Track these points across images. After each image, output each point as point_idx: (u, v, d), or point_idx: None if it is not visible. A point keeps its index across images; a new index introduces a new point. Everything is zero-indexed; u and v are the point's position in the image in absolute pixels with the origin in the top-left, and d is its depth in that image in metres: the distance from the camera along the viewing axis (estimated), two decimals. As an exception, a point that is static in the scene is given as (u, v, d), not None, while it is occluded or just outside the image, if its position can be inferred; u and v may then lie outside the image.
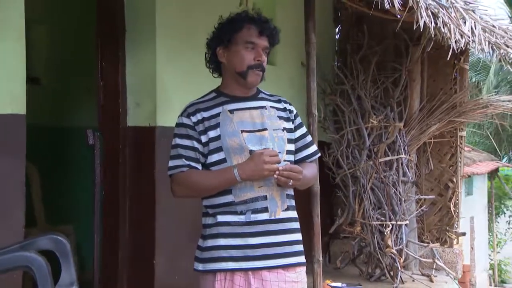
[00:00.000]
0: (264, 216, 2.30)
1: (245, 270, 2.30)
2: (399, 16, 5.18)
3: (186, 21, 3.90)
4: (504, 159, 15.64)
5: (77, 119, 4.92)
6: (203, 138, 2.33)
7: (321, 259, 3.78)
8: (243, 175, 2.25)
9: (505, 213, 13.00)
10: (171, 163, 2.39)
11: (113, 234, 3.76)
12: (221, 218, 2.32)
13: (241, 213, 2.30)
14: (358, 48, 5.51)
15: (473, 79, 15.44)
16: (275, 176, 2.24)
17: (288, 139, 2.40)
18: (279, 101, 2.47)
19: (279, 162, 2.27)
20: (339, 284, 3.89)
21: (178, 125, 2.40)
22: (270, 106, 2.41)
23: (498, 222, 12.70)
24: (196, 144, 2.34)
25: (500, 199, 12.72)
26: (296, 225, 2.41)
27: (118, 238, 3.75)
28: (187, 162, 2.34)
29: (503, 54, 5.22)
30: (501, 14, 13.78)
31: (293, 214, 2.40)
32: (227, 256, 2.30)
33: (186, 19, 3.90)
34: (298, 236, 2.41)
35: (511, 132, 15.24)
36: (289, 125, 2.43)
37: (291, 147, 2.41)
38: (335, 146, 5.27)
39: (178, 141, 2.37)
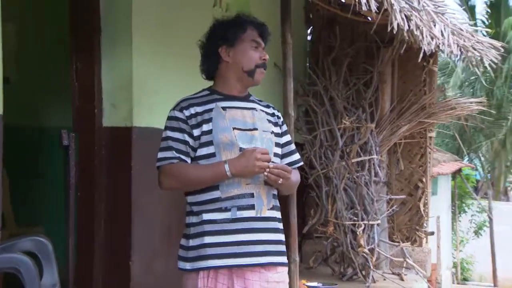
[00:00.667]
0: (250, 213, 2.31)
1: (229, 267, 2.30)
2: (370, 19, 5.28)
3: (163, 22, 3.88)
4: (465, 159, 15.97)
5: (51, 120, 4.85)
6: (196, 132, 2.34)
7: (297, 259, 3.80)
8: (233, 170, 2.26)
9: (466, 212, 13.27)
10: (161, 154, 2.38)
11: (88, 235, 3.71)
12: (206, 216, 2.32)
13: (226, 209, 2.30)
14: (329, 49, 5.56)
15: (438, 80, 15.70)
16: (265, 173, 2.26)
17: (275, 142, 2.43)
18: (268, 106, 2.53)
19: (269, 161, 2.29)
20: (315, 284, 3.91)
21: (170, 118, 2.40)
22: (260, 109, 2.45)
23: (460, 221, 12.95)
24: (187, 138, 2.35)
25: (462, 199, 12.99)
26: (280, 225, 2.43)
27: (93, 239, 3.70)
28: (177, 155, 2.34)
29: (470, 56, 5.33)
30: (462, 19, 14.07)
31: (278, 214, 2.42)
32: (212, 254, 2.30)
33: (162, 19, 3.88)
34: (281, 237, 2.43)
35: (472, 133, 15.58)
36: (277, 129, 2.48)
37: (278, 150, 2.45)
38: (308, 147, 5.31)
39: (169, 133, 2.37)
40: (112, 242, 3.72)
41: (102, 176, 3.71)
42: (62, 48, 4.00)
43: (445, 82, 15.80)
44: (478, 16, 16.36)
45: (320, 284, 3.96)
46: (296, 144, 5.10)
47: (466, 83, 15.40)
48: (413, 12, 4.19)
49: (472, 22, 6.19)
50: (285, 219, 3.74)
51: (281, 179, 2.29)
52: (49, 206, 4.72)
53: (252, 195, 2.32)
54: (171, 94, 3.93)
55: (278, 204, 2.44)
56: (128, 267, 3.68)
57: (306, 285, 3.95)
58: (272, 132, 2.43)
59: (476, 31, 5.94)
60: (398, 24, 3.93)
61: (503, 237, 13.39)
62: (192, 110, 2.36)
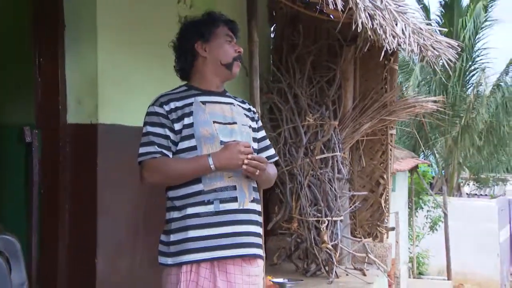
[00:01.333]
0: (233, 205, 2.34)
1: (211, 260, 2.31)
2: (332, 17, 5.32)
3: (128, 17, 3.83)
4: (421, 157, 16.28)
5: (11, 116, 4.71)
6: (177, 126, 2.35)
7: (264, 255, 3.79)
8: (217, 163, 2.28)
9: (423, 208, 13.54)
10: (142, 149, 2.39)
11: (52, 233, 3.64)
12: (190, 210, 2.33)
13: (209, 202, 2.32)
14: (293, 47, 5.58)
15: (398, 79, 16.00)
16: (244, 166, 2.27)
17: (253, 137, 2.46)
18: (243, 102, 2.60)
19: (251, 154, 2.33)
20: (281, 280, 3.93)
21: (150, 113, 2.41)
22: (237, 104, 2.50)
23: (417, 217, 13.21)
24: (168, 132, 2.36)
25: (419, 195, 13.25)
26: (260, 219, 2.47)
27: (57, 237, 3.62)
28: (159, 149, 2.35)
29: (430, 55, 5.43)
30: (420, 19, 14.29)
31: (258, 207, 2.45)
32: (194, 248, 2.31)
33: (128, 14, 3.82)
34: (259, 229, 2.45)
35: (428, 131, 15.89)
36: (254, 124, 2.53)
37: (255, 145, 2.49)
38: (272, 144, 5.31)
39: (150, 129, 2.38)
40: (77, 240, 3.66)
41: (67, 173, 3.64)
42: (24, 42, 3.90)
43: (405, 81, 16.07)
44: (432, 16, 16.67)
45: (286, 280, 3.96)
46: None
47: (423, 82, 15.69)
48: (377, 11, 4.24)
49: (428, 22, 6.28)
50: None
51: (258, 171, 2.31)
52: (7, 204, 4.60)
53: (234, 188, 2.35)
54: (137, 91, 3.89)
55: (258, 197, 2.47)
56: (93, 265, 3.63)
57: (272, 281, 3.96)
58: (250, 127, 2.48)
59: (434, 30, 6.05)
60: (362, 23, 3.96)
61: (456, 231, 13.70)
62: (172, 105, 2.38)
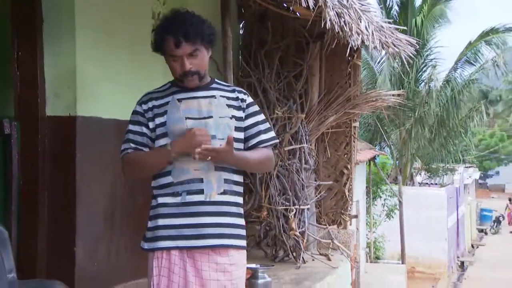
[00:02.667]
0: (199, 197, 2.36)
1: (180, 248, 2.35)
2: (298, 14, 5.35)
3: (106, 11, 3.77)
4: (377, 148, 16.52)
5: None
6: (151, 124, 2.43)
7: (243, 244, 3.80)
8: (174, 149, 2.34)
9: (381, 197, 13.75)
10: (122, 146, 2.48)
11: (31, 224, 3.58)
12: (161, 199, 2.40)
13: (178, 194, 2.37)
14: (261, 43, 5.58)
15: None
16: (197, 151, 2.29)
17: (236, 127, 2.43)
18: (233, 90, 2.52)
19: (208, 139, 2.34)
20: (253, 265, 3.94)
21: (133, 112, 2.50)
22: (220, 96, 2.45)
23: (376, 205, 13.41)
24: (144, 130, 2.44)
25: (377, 185, 13.44)
26: (236, 209, 2.44)
27: (37, 227, 3.56)
28: (134, 146, 2.43)
29: (391, 52, 5.50)
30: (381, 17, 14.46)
31: (232, 198, 2.43)
32: (165, 235, 2.37)
33: (106, 8, 3.77)
34: (236, 220, 2.43)
35: (384, 124, 16.12)
36: (239, 113, 2.47)
37: (239, 135, 2.45)
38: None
39: (130, 127, 2.48)
40: (56, 230, 3.61)
41: (46, 165, 3.58)
42: (2, 37, 3.80)
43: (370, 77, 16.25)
44: (391, 15, 16.84)
45: (258, 266, 3.98)
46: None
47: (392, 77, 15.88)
48: (343, 9, 4.28)
49: (390, 20, 6.36)
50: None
51: (209, 157, 2.33)
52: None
53: (201, 180, 2.37)
54: (116, 83, 3.85)
55: (235, 189, 2.44)
56: (72, 254, 3.58)
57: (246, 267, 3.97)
58: (233, 117, 2.44)
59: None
60: (331, 20, 4.00)
61: (409, 218, 13.98)
62: (150, 104, 2.45)
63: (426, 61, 16.93)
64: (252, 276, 3.91)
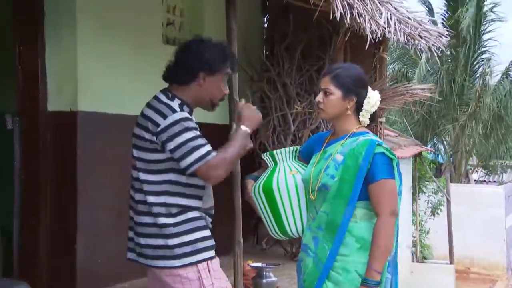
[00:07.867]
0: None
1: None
2: (312, 6, 5.18)
3: (107, 5, 3.74)
4: (429, 145, 16.03)
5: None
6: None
7: (241, 240, 3.70)
8: (250, 127, 2.36)
9: (424, 193, 13.30)
10: (203, 150, 2.25)
11: (33, 218, 3.60)
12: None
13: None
14: (284, 37, 5.45)
15: (402, 69, 15.76)
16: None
17: None
18: None
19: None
20: (259, 264, 3.83)
21: (185, 119, 2.27)
22: None
23: (419, 199, 12.98)
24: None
25: (421, 180, 13.00)
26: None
27: (39, 222, 3.59)
28: (210, 147, 2.29)
29: (418, 44, 5.27)
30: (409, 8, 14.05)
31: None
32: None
33: (107, 2, 3.74)
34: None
35: (435, 119, 15.62)
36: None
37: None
38: (262, 132, 5.21)
39: (195, 131, 2.28)
40: (58, 226, 3.62)
41: (47, 160, 3.60)
42: (4, 31, 3.84)
43: (408, 72, 15.76)
44: (436, 10, 16.24)
45: (264, 264, 3.86)
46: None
47: (430, 72, 15.35)
48: (356, 0, 4.09)
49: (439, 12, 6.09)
50: (230, 201, 3.65)
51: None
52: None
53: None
54: (119, 77, 3.82)
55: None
56: (74, 251, 3.59)
57: (251, 266, 3.87)
58: None
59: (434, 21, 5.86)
60: (340, 12, 3.83)
61: (459, 217, 13.47)
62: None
63: (481, 55, 16.29)
64: (257, 275, 3.81)
